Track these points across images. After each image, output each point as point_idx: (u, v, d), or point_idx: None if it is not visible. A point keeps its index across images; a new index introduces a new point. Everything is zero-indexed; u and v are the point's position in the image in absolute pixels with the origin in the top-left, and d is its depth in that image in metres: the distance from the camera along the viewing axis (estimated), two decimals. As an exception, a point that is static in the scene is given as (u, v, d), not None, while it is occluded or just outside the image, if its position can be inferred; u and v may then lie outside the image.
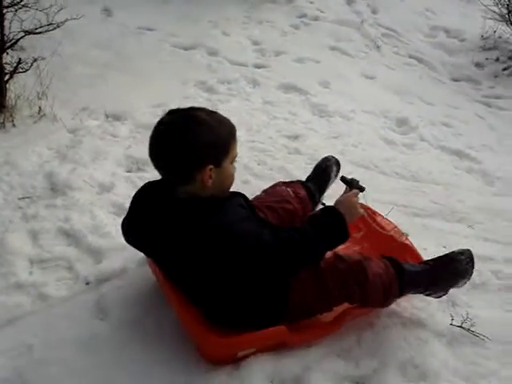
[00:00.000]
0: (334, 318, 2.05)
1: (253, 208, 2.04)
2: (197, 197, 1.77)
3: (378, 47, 5.60)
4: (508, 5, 5.92)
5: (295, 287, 1.91)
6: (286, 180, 2.56)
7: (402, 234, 2.38)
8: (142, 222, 1.89)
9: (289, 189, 2.39)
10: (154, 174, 1.91)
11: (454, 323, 2.23)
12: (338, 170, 2.70)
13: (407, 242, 2.38)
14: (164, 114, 1.80)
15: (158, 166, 1.79)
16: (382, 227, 2.37)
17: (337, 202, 1.95)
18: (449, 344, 2.18)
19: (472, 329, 2.22)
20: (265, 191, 2.43)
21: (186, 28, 5.15)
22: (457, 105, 4.94)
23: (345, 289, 1.96)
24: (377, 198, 2.72)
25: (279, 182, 2.49)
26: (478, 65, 5.87)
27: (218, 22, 5.37)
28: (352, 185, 2.09)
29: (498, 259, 2.72)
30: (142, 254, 2.12)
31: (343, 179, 2.13)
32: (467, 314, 2.25)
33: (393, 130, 4.04)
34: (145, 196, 1.93)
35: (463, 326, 2.22)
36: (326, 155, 2.76)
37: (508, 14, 5.92)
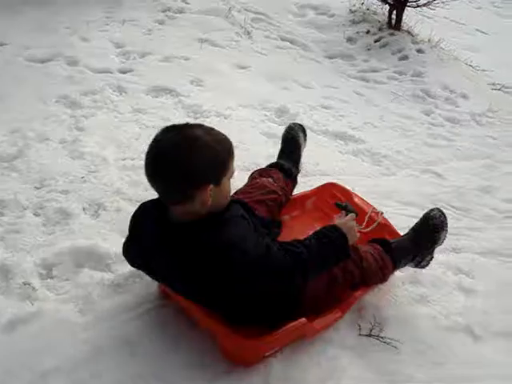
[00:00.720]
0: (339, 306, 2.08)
1: (252, 211, 2.04)
2: (195, 216, 1.73)
3: (249, 34, 5.40)
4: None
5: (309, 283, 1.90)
6: (258, 168, 2.63)
7: (380, 213, 2.40)
8: (144, 247, 1.86)
9: (269, 179, 2.45)
10: None
11: (362, 333, 2.09)
12: (305, 134, 2.83)
13: (385, 221, 2.43)
14: (159, 132, 1.71)
15: (155, 186, 1.72)
16: (361, 208, 2.40)
17: (337, 224, 1.97)
18: (359, 356, 2.03)
19: (382, 334, 2.09)
20: (248, 185, 2.45)
21: (40, 38, 4.68)
22: (334, 84, 4.86)
23: (348, 273, 2.06)
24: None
25: (255, 173, 2.53)
26: (350, 39, 5.85)
27: (76, 28, 4.93)
28: (347, 209, 2.14)
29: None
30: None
31: (339, 205, 2.19)
32: (375, 319, 2.12)
33: (274, 121, 3.86)
34: (142, 220, 1.89)
35: (372, 333, 2.09)
36: (288, 124, 2.85)
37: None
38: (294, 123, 2.86)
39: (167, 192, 1.72)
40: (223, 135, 1.78)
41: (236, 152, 1.82)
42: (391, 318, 2.17)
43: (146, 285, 2.15)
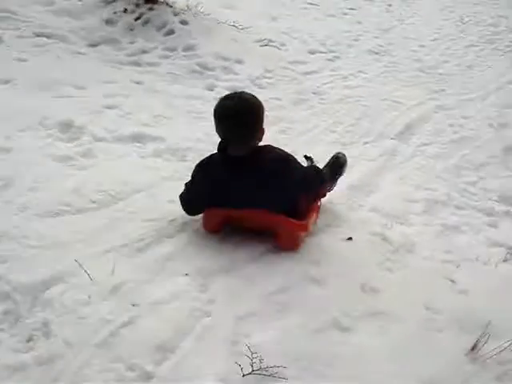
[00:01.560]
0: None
1: None
2: (252, 150, 2.50)
3: (1, 38, 4.77)
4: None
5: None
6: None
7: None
8: (217, 182, 2.52)
9: None
10: None
11: (244, 372, 1.95)
12: None
13: None
14: (225, 98, 2.49)
15: (236, 132, 2.43)
16: None
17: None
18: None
19: (263, 365, 1.95)
20: None
21: None
22: (109, 77, 4.56)
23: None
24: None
25: None
26: (109, 22, 5.51)
27: None
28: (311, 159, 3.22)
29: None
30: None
31: (305, 157, 3.21)
32: (249, 347, 2.01)
33: (61, 139, 3.49)
34: (211, 166, 2.58)
35: (254, 369, 1.94)
36: None
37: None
38: None
39: (245, 134, 2.46)
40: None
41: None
42: (263, 344, 2.08)
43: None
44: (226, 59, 5.06)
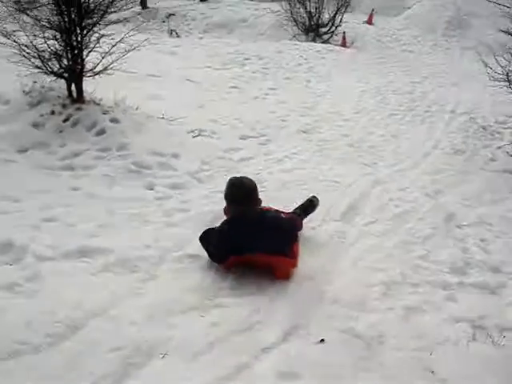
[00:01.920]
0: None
1: None
2: (258, 209, 3.70)
3: None
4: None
5: None
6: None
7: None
8: (243, 234, 3.47)
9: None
10: None
11: None
12: None
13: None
14: (232, 179, 3.84)
15: (244, 201, 3.62)
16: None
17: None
18: None
19: None
20: None
21: None
22: (43, 186, 4.35)
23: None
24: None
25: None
26: (36, 125, 5.33)
27: None
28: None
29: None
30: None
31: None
32: None
33: (3, 263, 3.27)
34: (237, 223, 3.56)
35: None
36: None
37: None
38: None
39: (250, 201, 3.63)
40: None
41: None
42: None
43: None
44: (161, 155, 5.01)
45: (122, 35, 5.73)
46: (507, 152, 6.54)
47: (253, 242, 3.41)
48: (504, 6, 17.97)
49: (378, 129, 7.05)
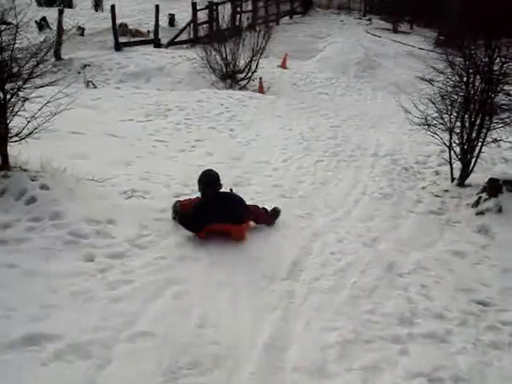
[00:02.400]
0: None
1: None
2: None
3: None
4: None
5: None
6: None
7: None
8: (207, 209, 4.95)
9: None
10: None
11: None
12: None
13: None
14: (204, 170, 5.39)
15: (208, 185, 5.17)
16: None
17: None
18: None
19: None
20: None
21: None
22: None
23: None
24: None
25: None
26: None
27: None
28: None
29: None
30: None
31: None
32: None
33: None
34: (204, 202, 5.07)
35: None
36: None
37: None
38: None
39: (219, 184, 5.18)
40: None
41: None
42: None
43: None
44: (97, 222, 4.85)
45: (49, 98, 5.56)
46: (431, 192, 6.83)
47: (222, 214, 4.84)
48: (408, 45, 19.10)
49: (307, 177, 7.17)
